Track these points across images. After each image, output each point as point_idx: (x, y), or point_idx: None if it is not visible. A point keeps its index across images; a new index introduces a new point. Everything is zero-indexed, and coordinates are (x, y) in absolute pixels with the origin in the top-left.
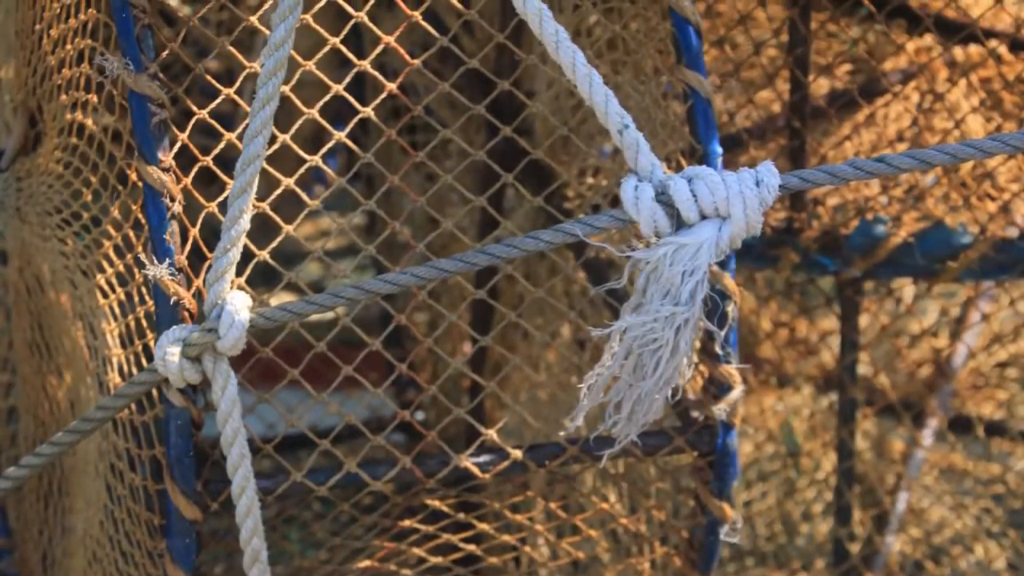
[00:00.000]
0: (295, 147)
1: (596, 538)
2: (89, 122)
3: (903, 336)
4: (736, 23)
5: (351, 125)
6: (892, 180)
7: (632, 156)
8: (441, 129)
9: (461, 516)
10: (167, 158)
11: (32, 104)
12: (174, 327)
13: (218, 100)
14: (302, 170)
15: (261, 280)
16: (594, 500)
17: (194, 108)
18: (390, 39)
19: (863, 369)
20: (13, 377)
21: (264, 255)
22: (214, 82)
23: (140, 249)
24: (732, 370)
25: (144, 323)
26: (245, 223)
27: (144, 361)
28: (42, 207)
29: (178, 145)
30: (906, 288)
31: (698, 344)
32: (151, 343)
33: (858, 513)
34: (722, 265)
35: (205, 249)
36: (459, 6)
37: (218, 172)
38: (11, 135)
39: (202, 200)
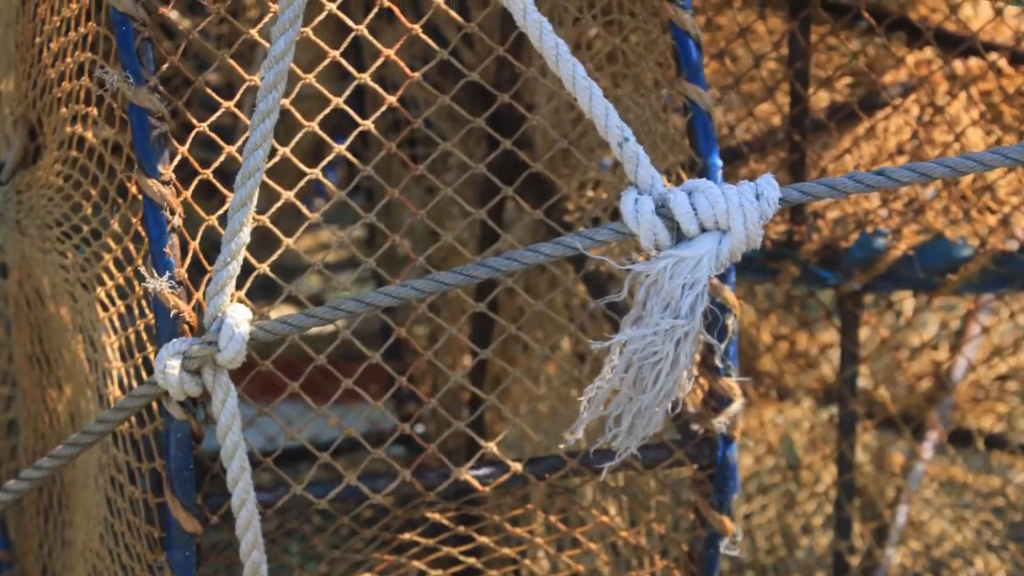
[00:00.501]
0: (295, 160)
1: (596, 551)
2: (89, 135)
3: (903, 349)
4: (736, 36)
5: (351, 138)
6: (892, 193)
7: (632, 169)
8: (441, 142)
9: (461, 529)
10: (167, 171)
11: (32, 117)
12: (174, 340)
13: (218, 113)
14: (302, 183)
15: (261, 293)
16: (594, 513)
17: (194, 121)
18: (390, 52)
19: (863, 382)
20: (13, 390)
21: (264, 268)
22: (214, 95)
23: (140, 262)
24: (732, 383)
25: (144, 336)
26: (245, 236)
27: (144, 374)
28: (42, 220)
29: (178, 158)
30: (906, 301)
31: (698, 357)
32: (151, 356)
33: (858, 526)
34: (722, 278)
35: (205, 262)
36: (459, 19)
37: (218, 185)
38: (11, 148)
39: (202, 213)
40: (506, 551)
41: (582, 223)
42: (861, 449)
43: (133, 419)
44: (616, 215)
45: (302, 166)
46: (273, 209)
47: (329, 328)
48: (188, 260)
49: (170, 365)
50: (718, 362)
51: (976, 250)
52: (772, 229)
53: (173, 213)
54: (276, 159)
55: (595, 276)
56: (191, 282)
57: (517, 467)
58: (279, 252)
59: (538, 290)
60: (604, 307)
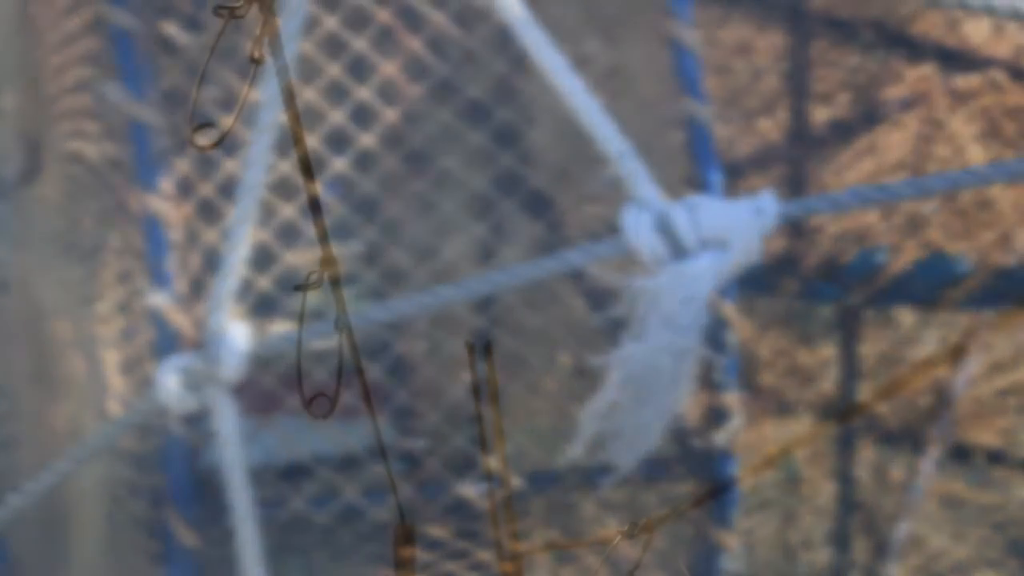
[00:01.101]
0: (295, 175)
1: (595, 566)
2: (89, 150)
3: (903, 364)
4: (736, 51)
5: (351, 154)
6: (892, 208)
7: (632, 184)
8: (441, 158)
9: (460, 544)
10: (167, 186)
11: (33, 132)
12: (174, 356)
13: (218, 129)
14: (302, 198)
15: (261, 308)
16: (594, 527)
17: (193, 137)
18: (391, 68)
19: (863, 397)
20: (13, 405)
21: (264, 283)
22: (214, 109)
23: (140, 277)
24: (732, 398)
25: (144, 351)
26: (245, 251)
27: (144, 390)
28: (42, 235)
29: (178, 173)
30: (906, 316)
31: (698, 372)
32: (151, 371)
33: (858, 541)
34: (722, 293)
35: (205, 278)
36: (459, 35)
37: (217, 201)
38: (12, 163)
39: (202, 228)
40: (506, 565)
41: (582, 238)
42: (861, 464)
43: (133, 434)
44: (616, 230)
45: (302, 181)
46: (272, 224)
47: (329, 343)
48: (188, 276)
49: (170, 380)
50: (718, 377)
51: (976, 265)
52: (772, 244)
53: (173, 228)
54: (276, 175)
55: (595, 291)
56: (191, 297)
57: (517, 482)
58: (278, 267)
59: (538, 304)
60: (604, 322)
